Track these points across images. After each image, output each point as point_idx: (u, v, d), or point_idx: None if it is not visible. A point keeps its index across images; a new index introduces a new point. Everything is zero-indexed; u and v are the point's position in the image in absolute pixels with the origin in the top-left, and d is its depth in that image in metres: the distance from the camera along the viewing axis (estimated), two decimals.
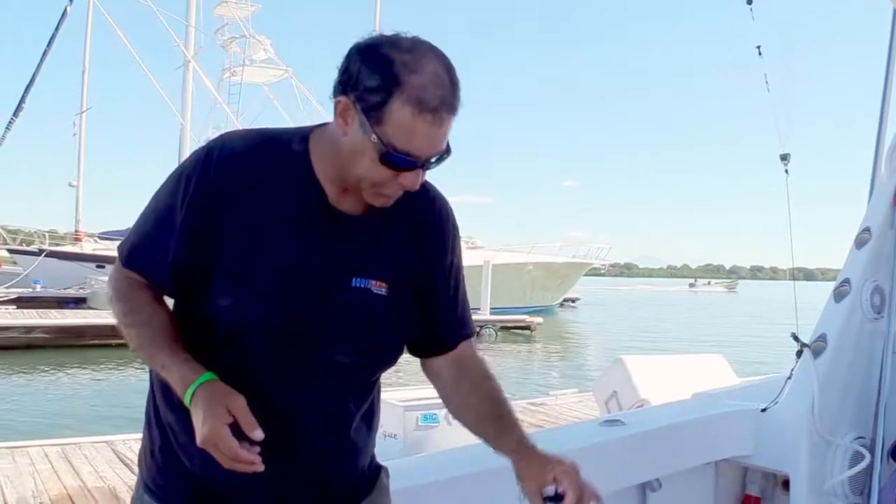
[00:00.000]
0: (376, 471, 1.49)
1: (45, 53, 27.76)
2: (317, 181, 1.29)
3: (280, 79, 30.04)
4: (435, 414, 5.14)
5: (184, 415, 1.21)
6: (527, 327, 23.89)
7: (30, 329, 16.35)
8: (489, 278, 24.42)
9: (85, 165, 31.84)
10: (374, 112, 1.18)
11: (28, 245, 27.83)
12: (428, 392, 5.89)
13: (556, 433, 3.04)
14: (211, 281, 1.25)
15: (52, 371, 13.89)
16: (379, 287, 1.32)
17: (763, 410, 2.63)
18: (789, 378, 2.63)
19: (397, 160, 1.20)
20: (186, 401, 1.18)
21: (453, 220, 1.46)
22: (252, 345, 1.26)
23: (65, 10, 27.71)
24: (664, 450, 2.48)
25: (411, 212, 1.37)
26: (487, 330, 22.55)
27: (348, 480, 1.40)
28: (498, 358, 19.00)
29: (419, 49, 1.20)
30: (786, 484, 2.63)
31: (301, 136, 1.33)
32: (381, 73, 1.17)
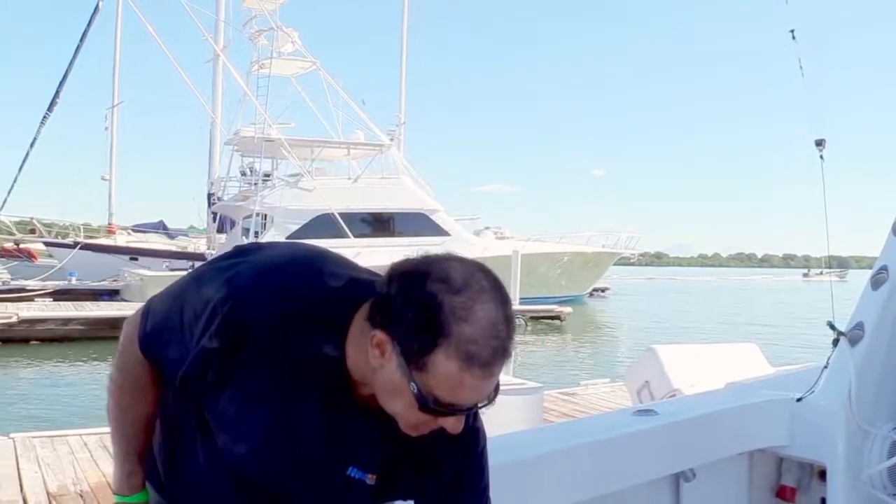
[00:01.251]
0: None
1: (77, 49, 28.15)
2: (346, 382, 1.21)
3: (308, 71, 30.13)
4: None
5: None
6: (556, 317, 23.86)
7: (66, 321, 16.69)
8: (518, 268, 24.34)
9: (117, 159, 32.38)
10: (415, 358, 1.07)
11: (63, 238, 28.29)
12: None
13: (587, 423, 3.05)
14: (214, 405, 1.24)
15: (88, 362, 14.16)
16: (372, 479, 1.26)
17: (799, 400, 2.61)
18: (825, 367, 2.61)
19: (438, 411, 1.10)
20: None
21: (466, 448, 1.33)
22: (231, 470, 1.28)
23: (97, 6, 28.08)
24: (698, 440, 2.47)
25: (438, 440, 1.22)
26: (518, 319, 22.44)
27: None
28: (528, 348, 19.02)
29: (472, 287, 1.08)
30: (822, 474, 2.60)
31: (337, 333, 1.19)
32: (426, 317, 1.05)
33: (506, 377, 6.01)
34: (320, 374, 1.19)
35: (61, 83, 28.21)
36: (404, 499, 1.35)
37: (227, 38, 29.97)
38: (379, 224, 28.20)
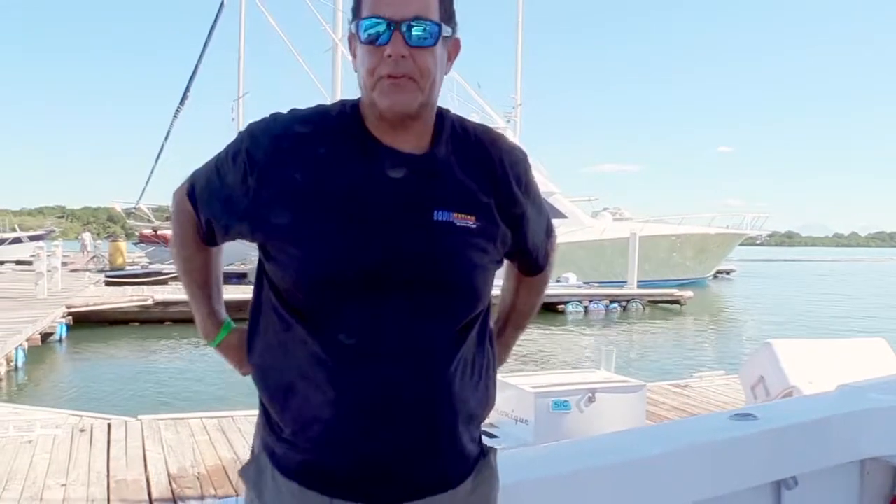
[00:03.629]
0: (485, 448, 1.43)
1: (205, 45, 29.56)
2: (370, 133, 1.29)
3: None
4: (567, 401, 5.09)
5: (275, 392, 1.32)
6: (676, 301, 23.20)
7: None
8: (636, 251, 23.87)
9: None
10: (355, 16, 1.26)
11: None
12: (560, 378, 5.85)
13: (683, 425, 2.94)
14: (281, 235, 1.26)
15: None
16: (463, 219, 1.29)
17: None
18: None
19: (366, 25, 1.23)
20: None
21: (519, 154, 1.42)
22: (333, 290, 1.24)
23: (222, 2, 29.32)
24: (800, 446, 2.36)
25: (476, 144, 1.36)
26: (634, 304, 22.10)
27: (452, 438, 1.33)
28: (643, 334, 18.61)
29: None
30: None
31: (350, 100, 1.36)
32: None
33: (607, 374, 5.90)
34: (354, 138, 1.28)
35: (191, 78, 29.77)
36: (514, 237, 1.40)
37: (345, 27, 30.61)
38: None
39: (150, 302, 17.61)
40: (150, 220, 31.36)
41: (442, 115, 1.35)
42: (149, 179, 30.77)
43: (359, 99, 1.32)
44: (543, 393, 5.13)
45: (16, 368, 11.59)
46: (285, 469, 1.30)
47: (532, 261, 1.50)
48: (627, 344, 16.71)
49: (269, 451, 1.33)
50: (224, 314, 1.50)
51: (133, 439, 6.06)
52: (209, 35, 29.75)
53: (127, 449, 5.80)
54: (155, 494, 4.88)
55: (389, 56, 1.22)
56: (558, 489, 1.87)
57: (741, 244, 35.27)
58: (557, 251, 1.59)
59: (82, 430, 6.31)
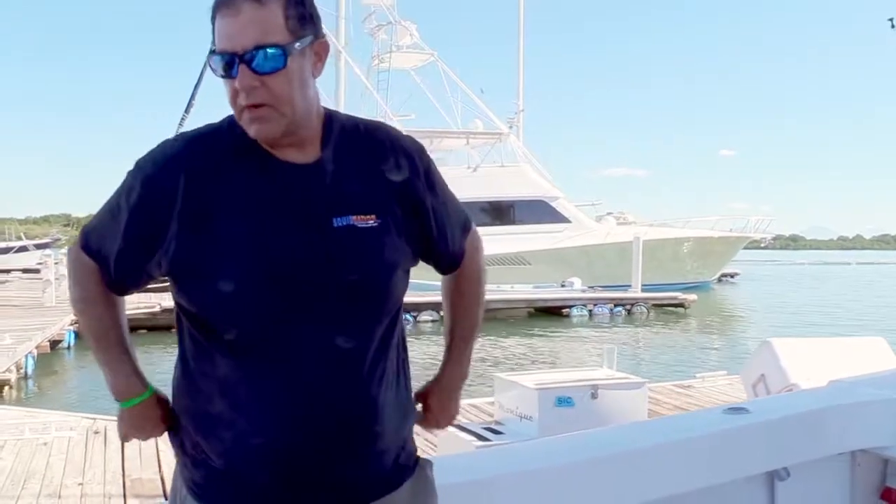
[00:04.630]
0: (420, 460, 1.45)
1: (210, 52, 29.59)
2: (261, 148, 1.29)
3: (426, 63, 30.56)
4: (570, 397, 5.20)
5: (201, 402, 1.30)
6: (680, 304, 23.24)
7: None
8: (640, 255, 23.94)
9: None
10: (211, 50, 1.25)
11: None
12: (562, 376, 5.96)
13: (678, 420, 3.04)
14: (185, 270, 1.26)
15: None
16: (364, 220, 1.29)
17: None
18: None
19: (216, 61, 1.23)
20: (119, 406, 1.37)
21: (414, 144, 1.42)
22: (245, 308, 1.24)
23: None
24: (792, 438, 2.44)
25: (366, 145, 1.36)
26: (638, 307, 22.16)
27: (377, 445, 1.33)
28: (648, 337, 18.67)
29: None
30: None
31: (227, 120, 1.32)
32: (211, 14, 1.25)
33: (609, 371, 6.00)
34: (242, 158, 1.28)
35: (196, 87, 29.85)
36: (421, 229, 1.39)
37: (348, 35, 30.77)
38: (499, 212, 28.29)
39: (157, 309, 17.72)
40: None
41: (330, 118, 1.35)
42: None
43: None
44: (547, 390, 5.24)
45: (26, 375, 11.72)
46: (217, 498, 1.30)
47: (447, 254, 1.47)
48: (632, 346, 16.79)
49: (193, 487, 1.32)
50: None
51: (147, 441, 6.16)
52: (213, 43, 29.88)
53: (141, 449, 5.91)
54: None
55: (241, 88, 1.22)
56: (558, 479, 1.94)
57: (745, 247, 35.24)
58: (481, 252, 1.56)
59: (96, 432, 6.44)
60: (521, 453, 2.20)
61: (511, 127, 30.43)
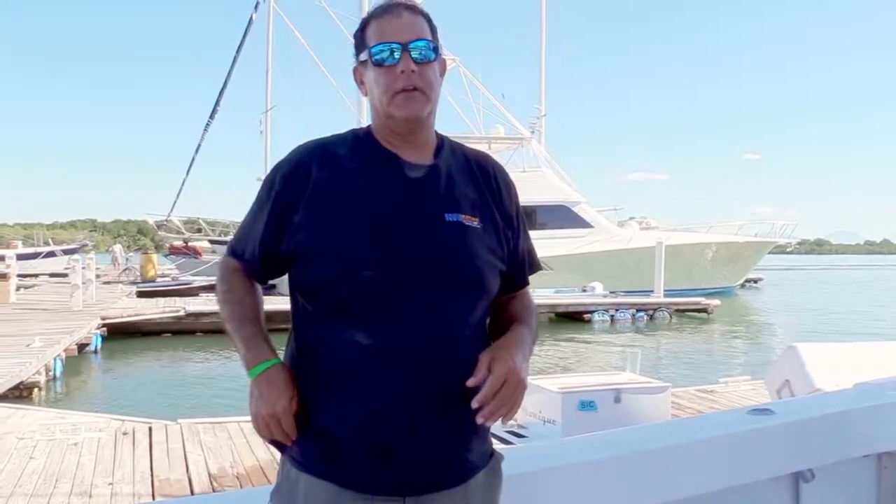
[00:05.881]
0: (491, 451, 1.54)
1: (234, 59, 29.99)
2: (384, 148, 1.49)
3: (448, 68, 30.44)
4: (593, 401, 5.21)
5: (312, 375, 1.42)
6: (703, 310, 23.07)
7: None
8: (662, 260, 23.80)
9: (271, 160, 34.17)
10: (360, 48, 1.49)
11: (225, 236, 30.21)
12: (585, 380, 5.97)
13: (702, 421, 3.04)
14: (314, 247, 1.41)
15: None
16: (470, 220, 1.47)
17: None
18: None
19: (378, 50, 1.45)
20: (250, 377, 1.44)
21: (508, 175, 1.61)
22: (359, 291, 1.38)
23: (251, 18, 29.80)
24: (817, 440, 2.43)
25: (472, 162, 1.55)
26: (661, 313, 22.02)
27: (475, 432, 1.46)
28: (671, 342, 18.54)
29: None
30: None
31: (359, 128, 1.55)
32: (359, 26, 1.50)
33: (632, 375, 6.00)
34: (369, 155, 1.48)
35: (221, 92, 30.22)
36: (504, 239, 1.54)
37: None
38: None
39: (181, 313, 17.92)
40: (180, 232, 31.80)
41: (440, 135, 1.55)
42: (180, 192, 31.30)
43: (368, 126, 1.54)
44: (570, 394, 5.25)
45: (54, 378, 11.87)
46: (320, 470, 1.39)
47: (520, 273, 1.61)
48: (654, 351, 16.70)
49: (298, 461, 1.42)
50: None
51: (174, 441, 6.27)
52: (238, 50, 30.22)
53: (168, 451, 6.01)
54: (198, 491, 5.08)
55: (402, 72, 1.43)
56: (581, 477, 1.97)
57: (770, 252, 34.94)
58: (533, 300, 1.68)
59: (125, 434, 6.54)
60: (545, 452, 2.22)
61: (533, 132, 30.42)
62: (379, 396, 1.38)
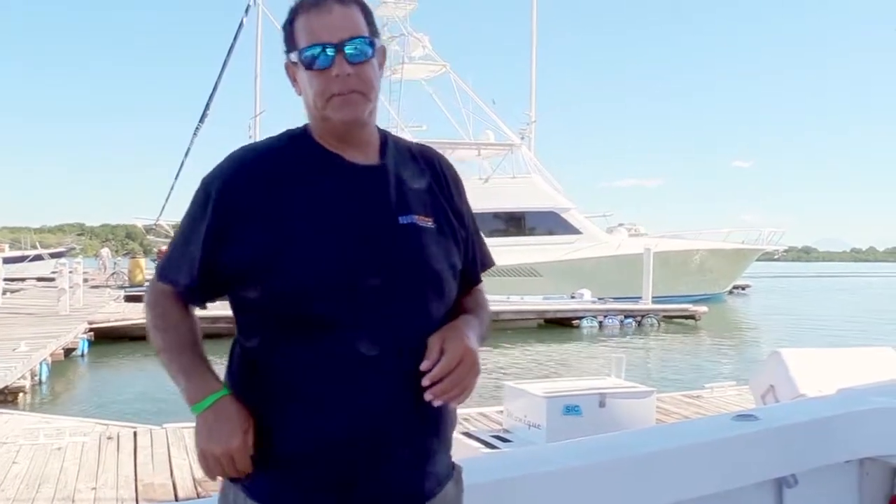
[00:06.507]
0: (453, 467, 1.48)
1: (224, 64, 29.92)
2: (325, 149, 1.38)
3: (438, 74, 30.71)
4: (577, 406, 5.22)
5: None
6: (691, 316, 23.14)
7: (214, 319, 17.06)
8: (650, 266, 23.91)
9: None
10: (290, 45, 1.37)
11: None
12: (570, 384, 5.98)
13: (687, 426, 3.05)
14: (264, 263, 1.29)
15: None
16: (424, 221, 1.39)
17: None
18: None
19: (309, 53, 1.33)
20: (195, 412, 1.32)
21: (453, 167, 1.54)
22: (312, 303, 1.28)
23: (241, 22, 29.75)
24: (800, 445, 2.44)
25: (419, 158, 1.47)
26: (649, 319, 22.08)
27: (446, 442, 1.41)
28: (658, 348, 18.60)
29: None
30: None
31: (294, 128, 1.44)
32: (287, 16, 1.38)
33: (617, 380, 6.02)
34: (310, 160, 1.37)
35: (211, 96, 30.12)
36: (459, 233, 1.46)
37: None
38: (510, 223, 28.31)
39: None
40: (168, 236, 31.66)
41: (381, 131, 1.46)
42: (169, 196, 31.15)
43: (304, 126, 1.42)
44: (555, 398, 5.27)
45: (40, 382, 11.80)
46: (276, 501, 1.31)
47: (473, 270, 1.52)
48: (641, 357, 16.75)
49: (248, 486, 1.32)
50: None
51: (158, 446, 6.24)
52: (228, 54, 30.16)
53: (153, 455, 5.98)
54: (182, 496, 5.05)
55: (337, 76, 1.32)
56: (565, 483, 1.97)
57: (758, 259, 35.13)
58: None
59: (109, 438, 6.50)
60: (529, 457, 2.22)
61: (523, 138, 30.49)
62: (341, 418, 1.28)
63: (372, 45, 1.36)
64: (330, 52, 1.33)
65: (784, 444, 2.41)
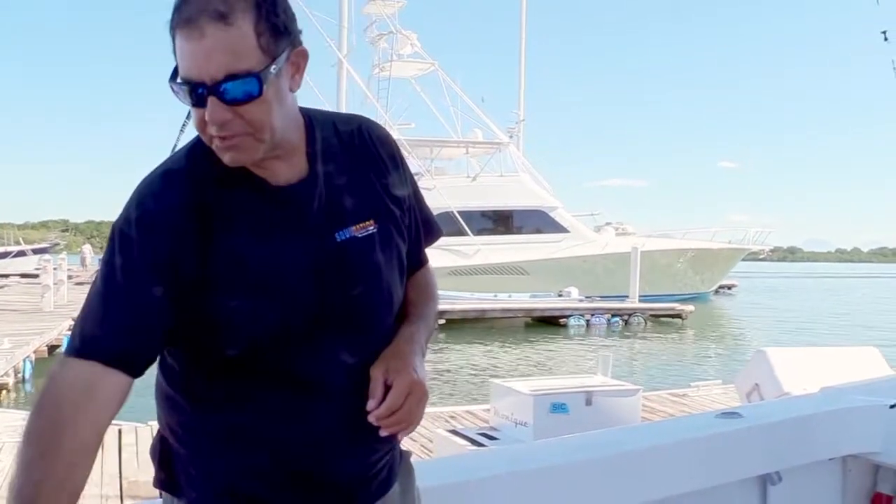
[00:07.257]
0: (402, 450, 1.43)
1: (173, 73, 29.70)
2: (244, 172, 1.18)
3: (427, 72, 30.68)
4: (564, 403, 5.24)
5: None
6: (677, 315, 23.28)
7: None
8: (638, 265, 24.02)
9: None
10: (174, 73, 1.11)
11: None
12: (557, 382, 6.00)
13: (671, 424, 3.07)
14: (218, 309, 1.17)
15: None
16: (364, 228, 1.24)
17: (892, 406, 2.55)
18: None
19: (178, 88, 1.09)
20: None
21: (388, 134, 1.36)
22: (254, 330, 1.18)
23: None
24: (784, 443, 2.46)
25: (346, 137, 1.29)
26: (636, 318, 22.20)
27: (376, 458, 1.33)
28: (645, 347, 18.70)
29: None
30: None
31: (197, 146, 1.21)
32: (169, 23, 1.10)
33: (604, 378, 6.04)
34: (222, 176, 1.17)
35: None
36: (402, 221, 1.33)
37: (350, 44, 30.91)
38: (498, 221, 28.36)
39: None
40: None
41: (311, 125, 1.25)
42: None
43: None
44: (542, 396, 5.29)
45: (23, 380, 11.72)
46: None
47: (417, 252, 1.41)
48: (628, 356, 16.84)
49: None
50: None
51: (144, 443, 6.19)
52: None
53: (138, 452, 5.94)
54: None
55: (210, 122, 1.09)
56: (551, 481, 1.97)
57: (744, 259, 35.34)
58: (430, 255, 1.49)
59: None
60: (515, 455, 2.22)
61: (511, 137, 30.53)
62: (293, 449, 1.23)
63: (258, 80, 1.08)
64: (201, 92, 1.07)
65: (768, 441, 2.42)
